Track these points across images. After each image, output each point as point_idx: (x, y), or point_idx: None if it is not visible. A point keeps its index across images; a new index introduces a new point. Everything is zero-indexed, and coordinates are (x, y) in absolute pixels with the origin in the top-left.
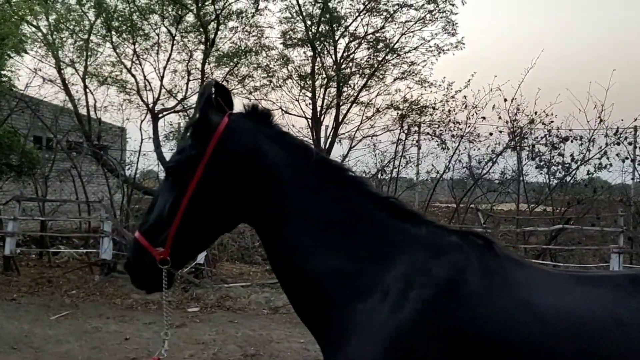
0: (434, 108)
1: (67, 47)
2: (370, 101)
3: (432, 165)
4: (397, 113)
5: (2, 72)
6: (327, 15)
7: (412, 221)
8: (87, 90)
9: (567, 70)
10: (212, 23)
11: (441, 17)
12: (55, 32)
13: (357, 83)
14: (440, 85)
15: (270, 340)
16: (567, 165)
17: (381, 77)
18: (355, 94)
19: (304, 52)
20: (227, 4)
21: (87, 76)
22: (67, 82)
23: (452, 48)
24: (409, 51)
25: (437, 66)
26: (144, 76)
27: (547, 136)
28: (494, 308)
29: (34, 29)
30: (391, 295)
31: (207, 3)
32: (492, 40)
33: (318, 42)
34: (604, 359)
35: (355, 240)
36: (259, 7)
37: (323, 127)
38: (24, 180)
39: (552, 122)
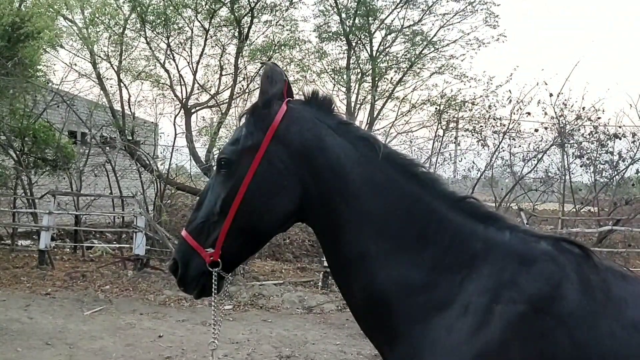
0: (473, 103)
1: (102, 41)
2: (406, 96)
3: (473, 162)
4: (435, 108)
5: (38, 67)
6: (363, 8)
7: (494, 225)
8: (122, 84)
9: (618, 63)
10: (246, 17)
11: (482, 9)
12: (90, 26)
13: (393, 77)
14: (480, 79)
15: (306, 341)
16: (615, 163)
17: (418, 71)
18: (391, 89)
19: (339, 46)
20: None
21: (121, 71)
22: (101, 76)
23: (493, 41)
24: (448, 44)
25: (477, 59)
26: (178, 71)
27: (594, 133)
28: (598, 331)
29: (69, 23)
30: (473, 311)
31: None
32: (537, 32)
33: (353, 36)
34: None
35: (428, 248)
36: (294, 0)
37: (357, 123)
38: (59, 175)
39: (599, 118)
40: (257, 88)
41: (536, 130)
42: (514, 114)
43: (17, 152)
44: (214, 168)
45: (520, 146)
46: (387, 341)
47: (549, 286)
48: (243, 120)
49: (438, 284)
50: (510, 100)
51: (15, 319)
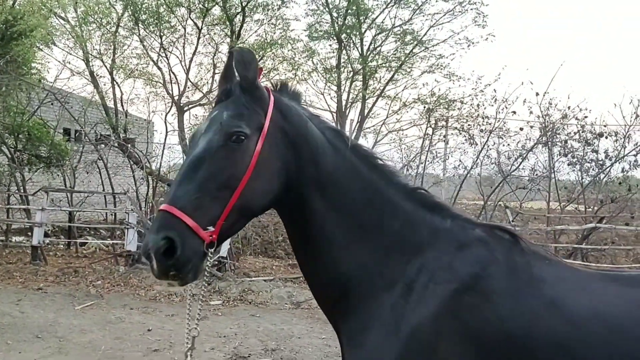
0: (462, 102)
1: (95, 39)
2: (397, 95)
3: (460, 160)
4: (424, 107)
5: (32, 65)
6: (354, 7)
7: (440, 213)
8: (115, 82)
9: (602, 63)
10: (238, 16)
11: (471, 9)
12: (83, 25)
13: (383, 76)
14: (469, 78)
15: (292, 335)
16: (601, 162)
17: (408, 70)
18: (382, 88)
19: (330, 45)
20: None
21: (114, 69)
22: (95, 74)
23: (482, 40)
24: (437, 44)
25: (466, 59)
26: (170, 69)
27: (581, 132)
28: (519, 307)
29: (62, 21)
30: (415, 289)
31: None
32: (524, 32)
33: (344, 35)
34: None
35: (383, 232)
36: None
37: (348, 121)
38: (53, 172)
39: (585, 117)
40: None
41: (521, 129)
42: (500, 112)
43: (11, 150)
44: (215, 139)
45: (509, 145)
46: (342, 318)
47: (479, 267)
48: (228, 97)
49: (389, 265)
50: (496, 100)
51: (7, 313)
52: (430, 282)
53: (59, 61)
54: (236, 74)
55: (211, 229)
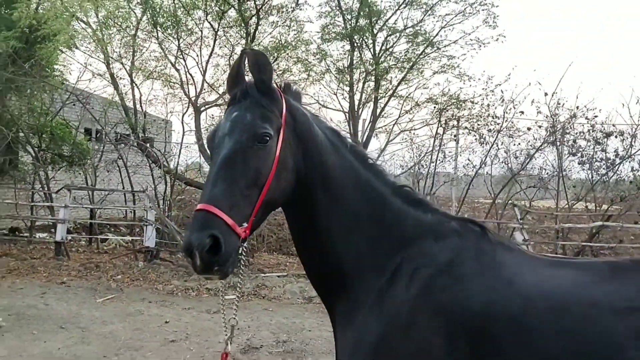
0: (472, 102)
1: (115, 43)
2: (409, 95)
3: (469, 160)
4: (435, 107)
5: (55, 67)
6: (366, 9)
7: (422, 208)
8: (134, 84)
9: (605, 65)
10: (253, 18)
11: (482, 10)
12: (104, 29)
13: (395, 77)
14: (479, 79)
15: (303, 328)
16: (611, 161)
17: (420, 70)
18: (394, 88)
19: (342, 46)
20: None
21: (133, 71)
22: (115, 76)
23: (492, 41)
24: (449, 44)
25: (477, 59)
26: (187, 70)
27: (591, 131)
28: (482, 285)
29: (84, 25)
30: (399, 274)
31: None
32: (528, 33)
33: (357, 36)
34: (577, 335)
35: (375, 224)
36: (299, 2)
37: (361, 121)
38: (75, 170)
39: (595, 116)
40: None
41: (529, 129)
42: (507, 112)
43: (35, 149)
44: (243, 140)
45: (519, 144)
46: (336, 300)
47: (452, 254)
48: (245, 98)
49: (378, 254)
50: (504, 100)
51: (32, 305)
52: (413, 268)
53: (81, 63)
54: (250, 75)
55: (245, 225)
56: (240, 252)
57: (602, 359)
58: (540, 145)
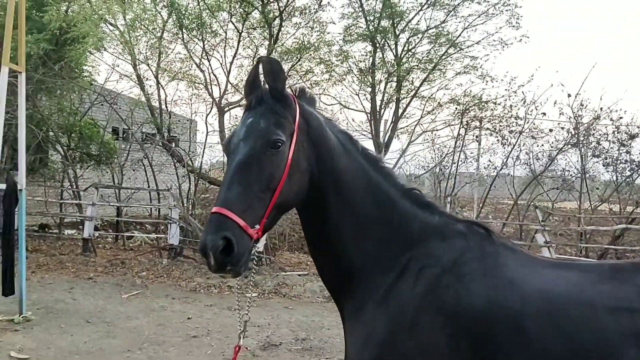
0: (495, 103)
1: (142, 44)
2: (431, 95)
3: (489, 161)
4: (457, 108)
5: (84, 68)
6: (389, 10)
7: (429, 211)
8: (159, 85)
9: (629, 63)
10: (277, 19)
11: (506, 10)
12: (131, 31)
13: (417, 77)
14: (502, 79)
15: (322, 326)
16: (636, 163)
17: (442, 71)
18: (416, 89)
19: (365, 47)
20: (290, 1)
21: (159, 72)
22: (141, 77)
23: (515, 41)
24: (471, 45)
25: (500, 59)
26: (211, 71)
27: (616, 132)
28: (484, 285)
29: (112, 28)
30: (406, 274)
31: (271, 0)
32: (550, 33)
33: (379, 37)
34: (574, 335)
35: (384, 225)
36: (322, 3)
37: (382, 122)
38: (102, 169)
39: (620, 117)
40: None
41: (550, 130)
42: (529, 114)
43: (64, 148)
44: (257, 146)
45: (542, 145)
46: (345, 298)
47: (456, 255)
48: (260, 104)
49: (387, 254)
50: (525, 101)
51: (60, 300)
52: (419, 267)
53: (109, 65)
54: (265, 83)
55: (257, 227)
56: (252, 252)
57: (597, 358)
58: (563, 147)
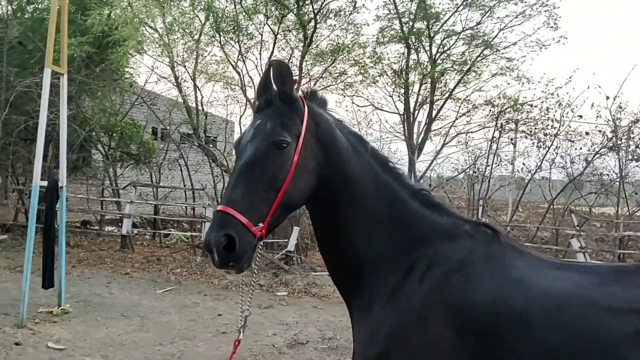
0: (531, 105)
1: (180, 47)
2: (466, 97)
3: (523, 164)
4: (491, 110)
5: (125, 70)
6: (423, 12)
7: (438, 211)
8: (196, 86)
9: None
10: (311, 22)
11: (544, 11)
12: (169, 34)
13: (452, 79)
14: (539, 81)
15: (349, 326)
16: None
17: (478, 73)
18: (450, 90)
19: (399, 49)
20: (325, 4)
21: (196, 73)
22: (179, 79)
23: (553, 43)
24: (507, 47)
25: (536, 61)
26: (247, 73)
27: None
28: (491, 284)
29: (151, 31)
30: (414, 272)
31: (306, 3)
32: (585, 32)
33: (413, 39)
34: (575, 332)
35: (392, 224)
36: (357, 5)
37: (416, 123)
38: (141, 168)
39: None
40: (322, 89)
41: (587, 134)
42: (565, 116)
43: (105, 147)
44: (262, 147)
45: (580, 148)
46: (354, 295)
47: (465, 255)
48: (269, 106)
49: (395, 252)
50: (560, 103)
51: (98, 294)
52: (426, 266)
53: (148, 67)
54: (274, 86)
55: (261, 225)
56: (257, 248)
57: (598, 356)
58: (599, 150)
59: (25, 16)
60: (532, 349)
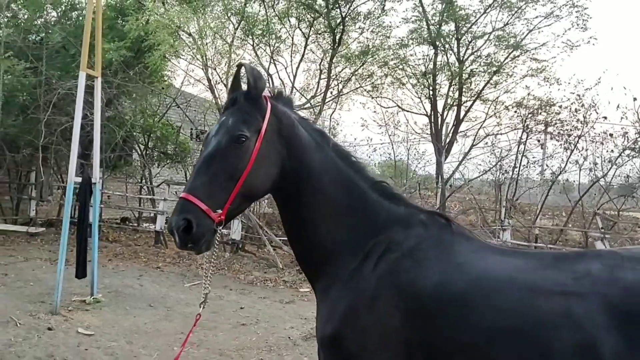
0: (560, 107)
1: (212, 50)
2: (495, 99)
3: (546, 165)
4: (516, 111)
5: (163, 73)
6: (452, 14)
7: (395, 202)
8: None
9: None
10: (339, 26)
11: (575, 12)
12: (202, 38)
13: (481, 80)
14: (568, 82)
15: None
16: None
17: (509, 74)
18: (478, 92)
19: (426, 50)
20: (353, 8)
21: (228, 76)
22: (211, 81)
23: (583, 43)
24: (537, 47)
25: (566, 62)
26: (278, 75)
27: None
28: (437, 268)
29: (186, 36)
30: (371, 257)
31: (336, 6)
32: (620, 31)
33: (442, 40)
34: (511, 313)
35: (353, 214)
36: (385, 8)
37: (444, 125)
38: (177, 167)
39: None
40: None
41: (611, 135)
42: (586, 117)
43: (141, 147)
44: (223, 140)
45: (611, 151)
46: (318, 279)
47: (416, 242)
48: (234, 105)
49: (355, 240)
50: (583, 104)
51: (129, 285)
52: (382, 252)
53: (183, 70)
54: (244, 85)
55: (220, 211)
56: (216, 233)
57: (530, 335)
58: (621, 153)
59: (69, 22)
60: (473, 328)
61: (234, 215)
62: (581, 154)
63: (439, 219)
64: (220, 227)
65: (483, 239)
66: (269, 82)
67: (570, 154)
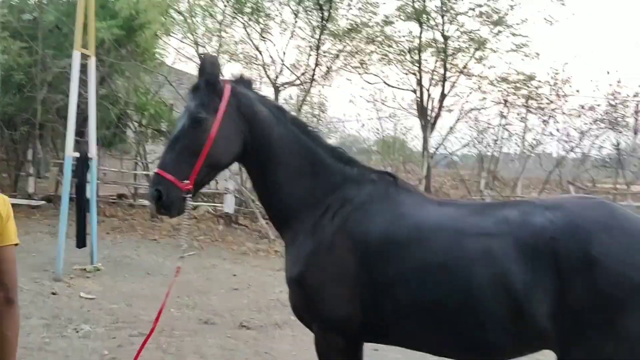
0: (539, 82)
1: (202, 29)
2: (479, 74)
3: (524, 138)
4: (497, 87)
5: (154, 51)
6: None
7: (350, 164)
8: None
9: None
10: (328, 2)
11: None
12: (193, 16)
13: (465, 56)
14: (547, 58)
15: None
16: None
17: (493, 50)
18: (462, 67)
19: (412, 26)
20: None
21: (219, 54)
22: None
23: (563, 19)
24: (519, 23)
25: (544, 37)
26: (268, 52)
27: None
28: (383, 217)
29: (177, 14)
30: (329, 211)
31: None
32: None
33: (426, 17)
34: (441, 253)
35: (313, 177)
36: None
37: (430, 100)
38: None
39: None
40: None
41: (582, 107)
42: (555, 91)
43: (136, 125)
44: (185, 122)
45: (587, 124)
46: (285, 232)
47: (366, 196)
48: (196, 90)
49: (315, 198)
50: (556, 81)
51: (127, 256)
52: (338, 206)
53: (174, 48)
54: (203, 72)
55: (187, 181)
56: (185, 200)
57: (456, 270)
58: (591, 125)
59: (62, 1)
60: (413, 267)
61: (204, 182)
62: (556, 127)
63: (387, 177)
64: (190, 194)
65: (424, 193)
66: (260, 59)
67: (546, 126)
